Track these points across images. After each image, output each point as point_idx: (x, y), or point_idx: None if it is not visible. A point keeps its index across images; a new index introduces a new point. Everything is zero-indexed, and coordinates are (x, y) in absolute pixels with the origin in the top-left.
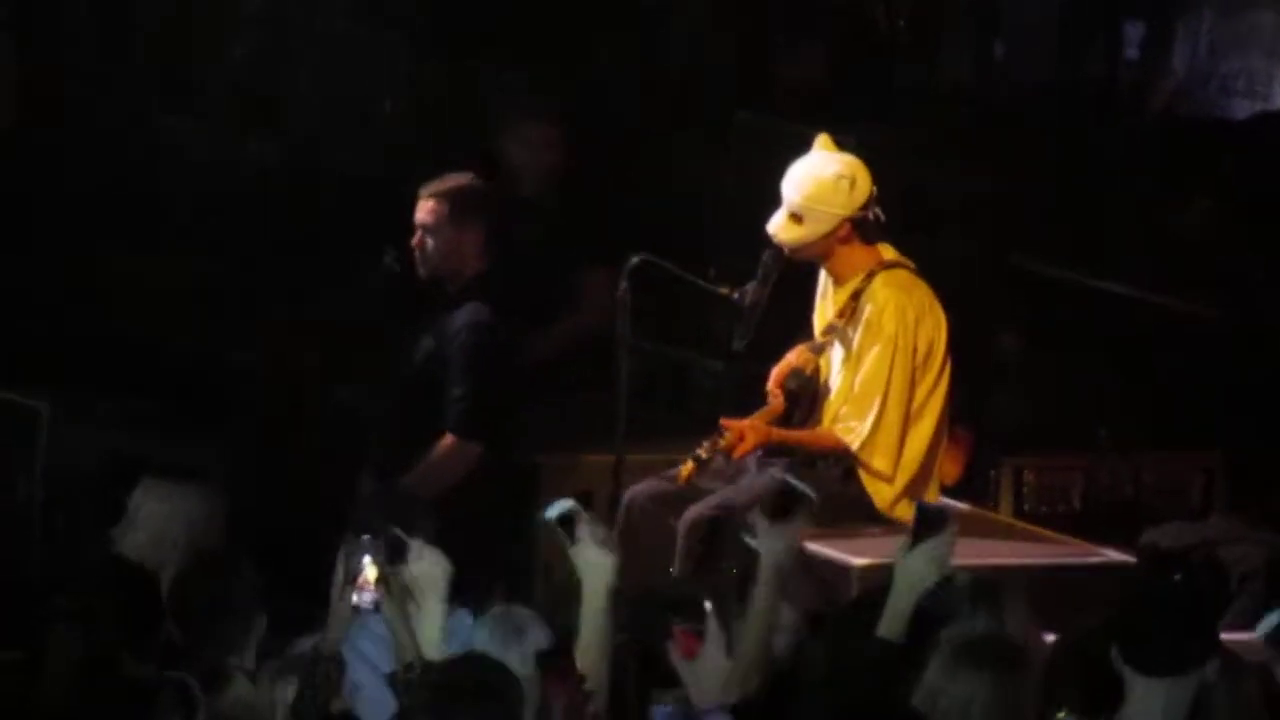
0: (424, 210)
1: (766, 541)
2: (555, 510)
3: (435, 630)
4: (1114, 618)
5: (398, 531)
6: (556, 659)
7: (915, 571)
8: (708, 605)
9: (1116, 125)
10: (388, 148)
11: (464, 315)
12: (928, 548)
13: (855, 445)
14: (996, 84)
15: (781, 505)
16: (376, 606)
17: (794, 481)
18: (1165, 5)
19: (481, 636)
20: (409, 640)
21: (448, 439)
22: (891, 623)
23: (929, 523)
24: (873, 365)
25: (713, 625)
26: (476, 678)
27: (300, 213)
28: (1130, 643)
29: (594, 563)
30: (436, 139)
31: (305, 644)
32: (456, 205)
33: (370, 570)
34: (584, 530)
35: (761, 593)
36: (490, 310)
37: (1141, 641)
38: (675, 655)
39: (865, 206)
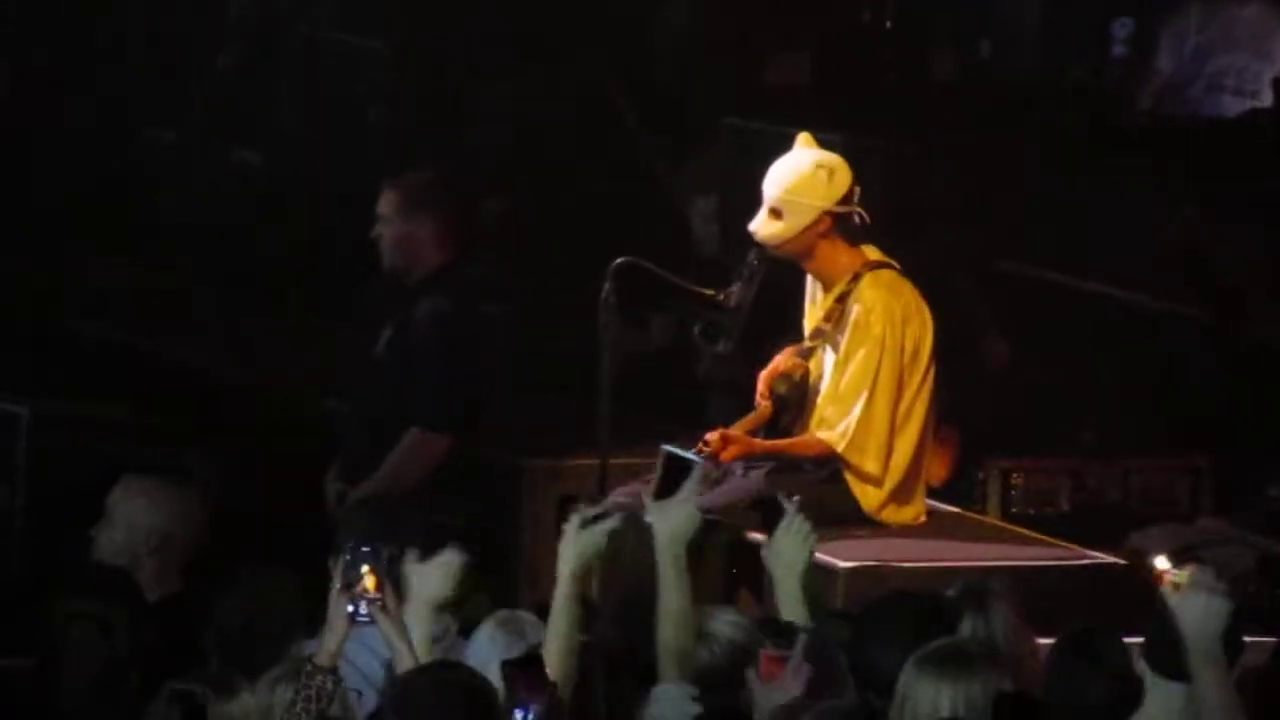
0: (381, 201)
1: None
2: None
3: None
4: (1118, 619)
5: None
6: (525, 666)
7: (786, 553)
8: (802, 635)
9: (1103, 125)
10: (373, 157)
11: (424, 307)
12: (783, 531)
13: (841, 447)
14: (983, 84)
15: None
16: (373, 616)
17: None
18: (1152, 4)
19: (482, 641)
20: (406, 650)
21: (413, 432)
22: (788, 609)
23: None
24: (859, 366)
25: (798, 655)
26: (442, 681)
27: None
28: (1154, 647)
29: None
30: (423, 146)
31: (305, 651)
32: (407, 197)
33: (368, 579)
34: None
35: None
36: (450, 301)
37: (1165, 646)
38: (755, 677)
39: (845, 200)
